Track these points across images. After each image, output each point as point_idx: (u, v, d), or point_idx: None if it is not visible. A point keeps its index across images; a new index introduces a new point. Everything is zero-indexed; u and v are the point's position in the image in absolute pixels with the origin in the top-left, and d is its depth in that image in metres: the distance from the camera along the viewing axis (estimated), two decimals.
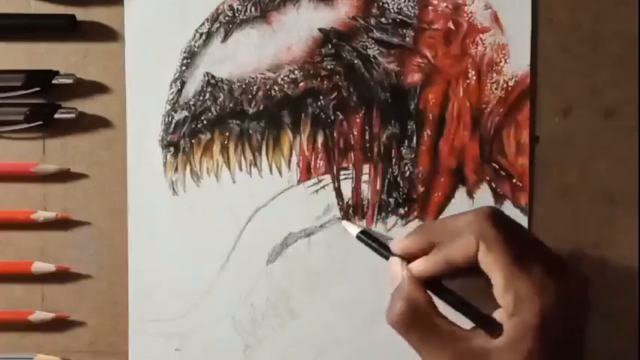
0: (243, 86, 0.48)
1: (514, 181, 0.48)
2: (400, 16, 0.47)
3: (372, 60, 0.48)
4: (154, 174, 0.48)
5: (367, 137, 0.48)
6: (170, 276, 0.48)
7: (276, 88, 0.48)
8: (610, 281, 0.48)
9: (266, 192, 0.48)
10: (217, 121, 0.48)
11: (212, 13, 0.48)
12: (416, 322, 0.39)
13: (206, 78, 0.48)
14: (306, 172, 0.48)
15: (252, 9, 0.48)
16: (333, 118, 0.48)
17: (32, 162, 0.48)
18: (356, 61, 0.48)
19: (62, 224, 0.49)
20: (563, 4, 0.47)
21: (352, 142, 0.48)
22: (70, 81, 0.47)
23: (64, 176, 0.48)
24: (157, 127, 0.48)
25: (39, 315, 0.48)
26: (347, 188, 0.48)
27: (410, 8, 0.47)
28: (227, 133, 0.48)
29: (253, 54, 0.48)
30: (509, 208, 0.47)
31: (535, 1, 0.47)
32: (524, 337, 0.37)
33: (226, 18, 0.48)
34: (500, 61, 0.47)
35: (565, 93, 0.48)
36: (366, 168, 0.48)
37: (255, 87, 0.48)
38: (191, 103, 0.48)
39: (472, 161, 0.48)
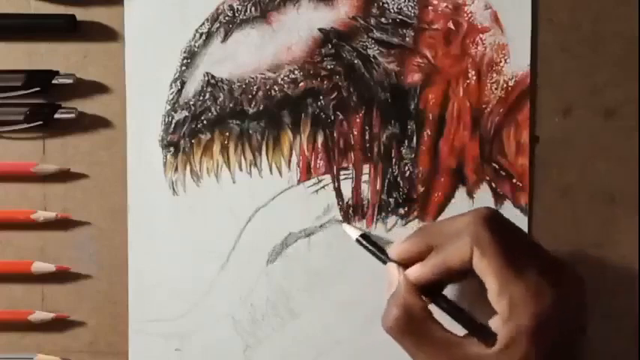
0: (243, 86, 0.48)
1: (514, 181, 0.48)
2: (400, 16, 0.47)
3: (372, 60, 0.48)
4: (153, 174, 0.48)
5: (367, 137, 0.48)
6: (170, 276, 0.48)
7: (276, 88, 0.48)
8: (610, 281, 0.48)
9: (266, 192, 0.48)
10: (217, 121, 0.48)
11: (212, 13, 0.48)
12: (411, 328, 0.39)
13: (206, 78, 0.48)
14: (306, 172, 0.48)
15: (252, 9, 0.48)
16: (333, 118, 0.48)
17: (32, 162, 0.48)
18: (356, 61, 0.48)
19: (62, 224, 0.49)
20: (563, 4, 0.47)
21: (352, 142, 0.48)
22: (70, 81, 0.47)
23: (64, 176, 0.48)
24: (157, 127, 0.48)
25: (39, 315, 0.48)
26: (347, 188, 0.48)
27: (410, 8, 0.47)
28: (227, 133, 0.48)
29: (253, 54, 0.48)
30: (509, 208, 0.47)
31: (535, 1, 0.47)
32: (519, 342, 0.36)
33: (226, 18, 0.48)
34: (500, 61, 0.47)
35: (565, 93, 0.48)
36: (366, 168, 0.48)
37: (255, 87, 0.48)
38: (191, 103, 0.48)
39: (472, 161, 0.48)
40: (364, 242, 0.46)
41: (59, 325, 0.49)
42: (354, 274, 0.48)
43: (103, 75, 0.48)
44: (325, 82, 0.48)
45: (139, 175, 0.48)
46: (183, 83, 0.48)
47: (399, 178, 0.48)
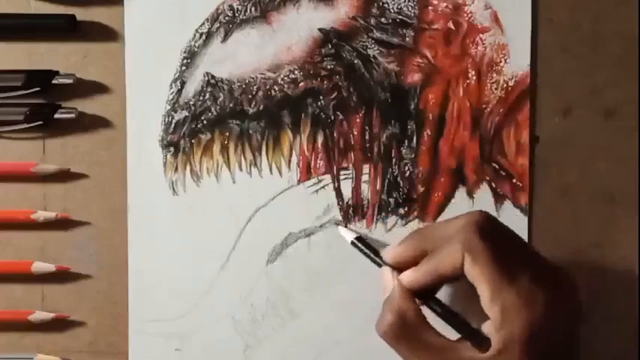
0: (243, 86, 0.48)
1: (514, 181, 0.48)
2: (400, 16, 0.47)
3: (372, 60, 0.48)
4: (154, 174, 0.48)
5: (367, 137, 0.48)
6: (170, 276, 0.48)
7: (276, 88, 0.48)
8: (610, 282, 0.48)
9: (266, 192, 0.48)
10: (217, 121, 0.48)
11: (212, 13, 0.48)
12: (405, 333, 0.39)
13: (206, 78, 0.48)
14: (306, 172, 0.48)
15: (252, 9, 0.48)
16: (333, 118, 0.48)
17: (32, 162, 0.48)
18: (356, 61, 0.48)
19: (62, 224, 0.49)
20: (563, 4, 0.47)
21: (352, 142, 0.48)
22: (70, 81, 0.47)
23: (64, 176, 0.48)
24: (157, 127, 0.48)
25: (39, 315, 0.48)
26: (347, 188, 0.48)
27: (410, 8, 0.47)
28: (227, 133, 0.48)
29: (253, 54, 0.48)
30: (509, 208, 0.47)
31: (535, 1, 0.47)
32: (512, 349, 0.36)
33: (226, 18, 0.48)
34: (500, 61, 0.47)
35: (565, 93, 0.48)
36: (366, 168, 0.48)
37: (255, 87, 0.48)
38: (191, 103, 0.48)
39: (472, 161, 0.48)
40: (359, 245, 0.46)
41: (59, 325, 0.49)
42: (354, 274, 0.48)
43: (103, 75, 0.48)
44: (325, 82, 0.48)
45: (139, 175, 0.48)
46: (183, 83, 0.48)
47: (399, 178, 0.48)
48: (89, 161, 0.48)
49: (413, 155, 0.48)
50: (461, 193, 0.48)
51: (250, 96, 0.48)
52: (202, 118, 0.48)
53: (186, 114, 0.48)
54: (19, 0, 0.48)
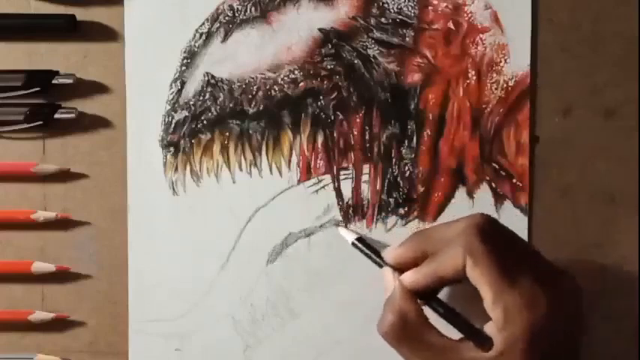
0: (243, 86, 0.48)
1: (514, 181, 0.48)
2: (400, 16, 0.47)
3: (372, 60, 0.48)
4: (154, 174, 0.48)
5: (367, 137, 0.48)
6: (170, 276, 0.48)
7: (276, 88, 0.48)
8: (610, 282, 0.48)
9: (266, 192, 0.48)
10: (217, 121, 0.48)
11: (212, 13, 0.48)
12: (406, 334, 0.39)
13: (206, 78, 0.48)
14: (306, 172, 0.48)
15: (252, 9, 0.48)
16: (333, 118, 0.48)
17: (32, 162, 0.48)
18: (356, 61, 0.48)
19: (62, 224, 0.49)
20: (563, 4, 0.47)
21: (352, 142, 0.48)
22: (70, 81, 0.47)
23: (64, 176, 0.48)
24: (157, 127, 0.48)
25: (39, 315, 0.48)
26: (347, 188, 0.48)
27: (410, 8, 0.47)
28: (227, 133, 0.48)
29: (253, 54, 0.48)
30: (509, 208, 0.47)
31: (535, 1, 0.47)
32: (514, 350, 0.37)
33: (226, 18, 0.48)
34: (500, 61, 0.47)
35: (565, 93, 0.48)
36: (366, 168, 0.48)
37: (255, 87, 0.48)
38: (191, 103, 0.48)
39: (472, 161, 0.48)
40: (360, 246, 0.46)
41: (59, 325, 0.49)
42: (354, 274, 0.48)
43: (103, 75, 0.48)
44: (325, 82, 0.48)
45: (139, 175, 0.48)
46: (183, 83, 0.48)
47: (399, 178, 0.48)
48: (89, 161, 0.48)
49: (413, 155, 0.48)
50: (461, 193, 0.48)
51: (250, 96, 0.48)
52: (202, 118, 0.48)
53: (186, 114, 0.48)
54: (19, 0, 0.48)
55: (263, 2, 0.48)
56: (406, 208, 0.48)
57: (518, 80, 0.47)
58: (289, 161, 0.48)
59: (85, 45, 0.48)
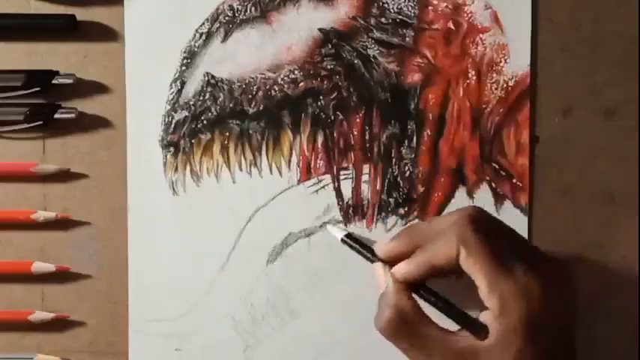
0: (243, 86, 0.48)
1: (514, 181, 0.48)
2: (400, 16, 0.47)
3: (372, 60, 0.48)
4: (154, 174, 0.48)
5: (367, 137, 0.48)
6: (170, 276, 0.48)
7: (276, 88, 0.48)
8: (610, 281, 0.48)
9: (266, 192, 0.48)
10: (217, 121, 0.48)
11: (212, 13, 0.48)
12: (403, 328, 0.39)
13: (206, 78, 0.48)
14: (306, 172, 0.48)
15: (252, 9, 0.48)
16: (333, 118, 0.48)
17: (32, 162, 0.48)
18: (356, 61, 0.48)
19: (62, 224, 0.49)
20: (563, 4, 0.47)
21: (352, 142, 0.48)
22: (70, 81, 0.47)
23: (64, 176, 0.48)
24: (157, 127, 0.48)
25: (39, 315, 0.48)
26: (347, 188, 0.48)
27: (410, 8, 0.47)
28: (227, 133, 0.48)
29: (253, 54, 0.48)
30: (509, 208, 0.47)
31: (535, 1, 0.47)
32: (513, 338, 0.37)
33: (226, 18, 0.48)
34: (500, 61, 0.47)
35: (565, 93, 0.48)
36: (366, 168, 0.48)
37: (255, 87, 0.48)
38: (191, 103, 0.48)
39: (472, 161, 0.48)
40: (349, 242, 0.45)
41: (59, 325, 0.49)
42: (354, 274, 0.48)
43: (103, 75, 0.48)
44: (325, 82, 0.48)
45: (139, 175, 0.48)
46: (183, 83, 0.48)
47: (399, 178, 0.48)
48: (89, 161, 0.48)
49: (413, 155, 0.48)
50: (461, 193, 0.48)
51: (250, 96, 0.48)
52: (202, 118, 0.48)
53: (186, 114, 0.48)
54: (19, 0, 0.48)
55: (263, 2, 0.48)
56: (406, 208, 0.48)
57: (518, 80, 0.47)
58: (289, 161, 0.48)
59: (85, 45, 0.48)
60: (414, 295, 0.40)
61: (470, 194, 0.48)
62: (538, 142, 0.48)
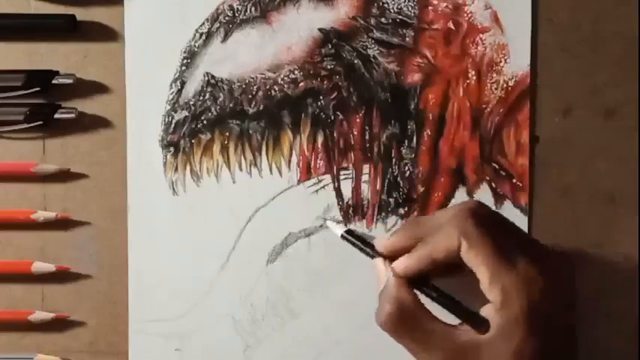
0: (243, 86, 0.48)
1: (514, 181, 0.48)
2: (400, 16, 0.47)
3: (372, 60, 0.48)
4: (154, 174, 0.48)
5: (367, 137, 0.48)
6: (170, 276, 0.48)
7: (276, 88, 0.48)
8: (610, 281, 0.48)
9: (266, 192, 0.48)
10: (217, 121, 0.48)
11: (212, 13, 0.48)
12: (405, 323, 0.39)
13: (206, 78, 0.48)
14: (306, 172, 0.48)
15: (252, 9, 0.48)
16: (333, 118, 0.48)
17: (32, 162, 0.48)
18: (356, 61, 0.48)
19: (62, 224, 0.49)
20: (563, 4, 0.47)
21: (352, 142, 0.48)
22: (70, 81, 0.47)
23: (64, 176, 0.48)
24: (157, 127, 0.48)
25: (39, 315, 0.48)
26: (347, 188, 0.48)
27: (410, 8, 0.47)
28: (227, 133, 0.48)
29: (253, 54, 0.48)
30: (509, 208, 0.47)
31: (535, 1, 0.47)
32: (515, 329, 0.37)
33: (226, 18, 0.48)
34: (500, 61, 0.47)
35: (565, 93, 0.48)
36: (366, 168, 0.48)
37: (255, 87, 0.48)
38: (191, 103, 0.48)
39: (472, 161, 0.48)
40: (350, 238, 0.45)
41: (59, 325, 0.49)
42: (354, 274, 0.48)
43: (103, 75, 0.48)
44: (325, 82, 0.48)
45: (139, 175, 0.48)
46: (183, 83, 0.48)
47: (399, 178, 0.48)
48: (89, 161, 0.48)
49: (413, 155, 0.48)
50: (461, 193, 0.48)
51: (250, 96, 0.48)
52: (202, 118, 0.48)
53: (186, 114, 0.48)
54: (19, 0, 0.48)
55: (263, 2, 0.48)
56: (406, 208, 0.48)
57: (518, 80, 0.47)
58: (289, 161, 0.48)
59: (85, 45, 0.48)
60: (415, 290, 0.40)
61: (470, 194, 0.48)
62: (538, 142, 0.48)
